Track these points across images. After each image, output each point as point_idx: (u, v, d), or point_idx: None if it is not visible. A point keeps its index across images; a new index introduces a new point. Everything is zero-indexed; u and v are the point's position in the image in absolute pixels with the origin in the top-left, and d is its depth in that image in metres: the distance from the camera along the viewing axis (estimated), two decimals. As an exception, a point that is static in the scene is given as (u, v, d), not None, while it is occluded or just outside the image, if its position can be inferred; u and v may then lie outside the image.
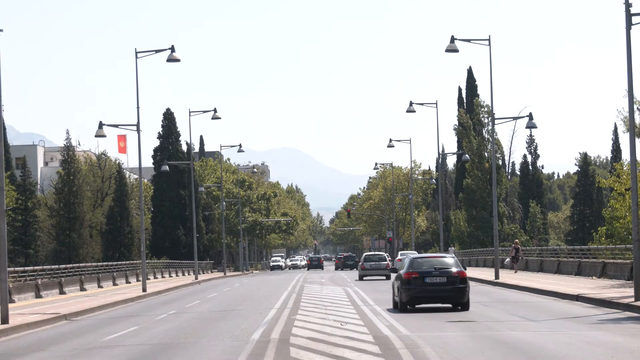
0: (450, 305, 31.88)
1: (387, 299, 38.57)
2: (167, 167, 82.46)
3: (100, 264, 72.83)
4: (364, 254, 70.54)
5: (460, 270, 31.50)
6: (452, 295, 31.38)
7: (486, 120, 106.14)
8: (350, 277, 72.68)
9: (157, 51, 52.76)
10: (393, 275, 40.52)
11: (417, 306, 31.88)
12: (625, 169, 52.14)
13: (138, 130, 53.44)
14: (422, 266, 31.87)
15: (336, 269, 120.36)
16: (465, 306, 31.37)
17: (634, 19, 31.66)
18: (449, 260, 32.27)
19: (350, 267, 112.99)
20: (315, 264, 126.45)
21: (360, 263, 67.96)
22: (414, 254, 50.11)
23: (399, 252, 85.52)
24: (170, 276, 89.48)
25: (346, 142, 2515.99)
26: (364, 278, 65.37)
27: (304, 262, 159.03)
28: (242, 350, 21.24)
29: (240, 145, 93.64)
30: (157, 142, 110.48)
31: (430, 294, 31.47)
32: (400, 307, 31.80)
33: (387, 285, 51.55)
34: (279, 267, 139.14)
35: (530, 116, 53.02)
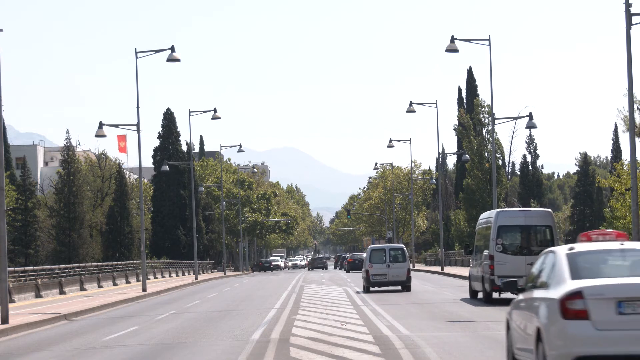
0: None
1: (387, 299, 38.74)
2: (167, 167, 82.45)
3: (100, 264, 72.83)
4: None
5: None
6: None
7: (486, 120, 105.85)
8: (350, 277, 72.70)
9: (157, 51, 52.80)
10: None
11: (351, 271, 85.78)
12: (625, 168, 52.11)
13: (138, 130, 53.48)
14: (354, 257, 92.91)
15: (335, 267, 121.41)
16: None
17: (634, 19, 31.67)
18: (364, 254, 69.25)
19: None
20: (319, 265, 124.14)
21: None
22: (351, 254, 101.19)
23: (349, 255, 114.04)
24: (170, 276, 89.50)
25: (346, 142, 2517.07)
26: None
27: (304, 262, 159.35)
28: (242, 350, 21.24)
29: (240, 145, 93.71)
30: (157, 142, 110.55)
31: (356, 266, 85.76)
32: (347, 270, 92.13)
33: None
34: (278, 267, 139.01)
35: (530, 116, 52.99)
